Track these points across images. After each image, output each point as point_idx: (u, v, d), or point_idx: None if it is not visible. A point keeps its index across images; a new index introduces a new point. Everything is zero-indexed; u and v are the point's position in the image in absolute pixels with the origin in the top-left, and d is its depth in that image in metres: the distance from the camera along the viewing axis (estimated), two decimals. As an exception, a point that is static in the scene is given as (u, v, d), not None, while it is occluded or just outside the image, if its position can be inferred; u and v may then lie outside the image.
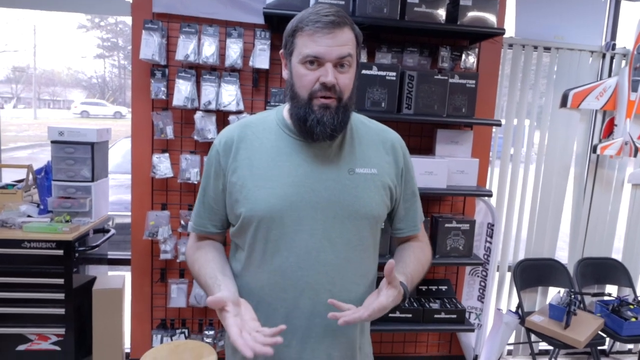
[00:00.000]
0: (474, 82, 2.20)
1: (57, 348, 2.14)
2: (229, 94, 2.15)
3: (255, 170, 1.02)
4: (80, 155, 2.22)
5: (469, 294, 2.58)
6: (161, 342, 2.34)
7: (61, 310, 2.11)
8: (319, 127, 0.97)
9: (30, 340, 2.13)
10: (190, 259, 1.14)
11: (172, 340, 2.35)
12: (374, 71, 2.08)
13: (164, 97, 2.15)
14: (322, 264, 1.01)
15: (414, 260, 1.11)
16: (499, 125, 2.31)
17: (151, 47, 2.06)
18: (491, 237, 2.41)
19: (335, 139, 1.02)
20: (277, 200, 0.99)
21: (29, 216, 2.19)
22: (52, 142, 2.20)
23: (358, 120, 1.12)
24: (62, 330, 2.13)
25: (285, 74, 1.03)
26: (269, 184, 1.00)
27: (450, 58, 2.33)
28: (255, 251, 1.03)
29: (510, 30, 2.59)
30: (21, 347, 2.12)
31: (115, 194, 3.93)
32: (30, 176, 2.33)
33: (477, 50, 2.39)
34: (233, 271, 1.09)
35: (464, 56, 2.36)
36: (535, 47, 2.65)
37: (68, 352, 2.15)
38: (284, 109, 1.08)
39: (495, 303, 2.85)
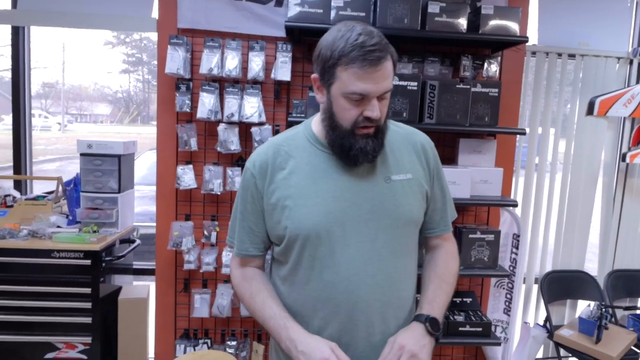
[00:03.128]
0: (496, 90, 2.18)
1: (84, 357, 2.18)
2: (252, 106, 2.18)
3: (294, 190, 1.03)
4: (108, 167, 2.28)
5: (494, 306, 2.52)
6: (184, 352, 2.36)
7: (88, 319, 2.15)
8: (362, 156, 1.00)
9: (58, 348, 2.17)
10: (240, 289, 1.14)
11: (195, 350, 2.37)
12: (395, 81, 2.08)
13: (188, 109, 2.20)
14: (371, 275, 1.02)
15: (437, 282, 1.11)
16: (523, 133, 2.27)
17: (176, 61, 2.11)
18: (517, 248, 2.36)
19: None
20: (320, 218, 1.00)
21: (58, 227, 2.26)
22: (81, 154, 2.27)
23: (389, 126, 1.12)
24: (88, 339, 2.17)
25: (319, 98, 1.03)
26: (310, 201, 1.01)
27: (472, 67, 2.32)
28: (303, 268, 1.04)
29: (533, 38, 2.56)
30: (49, 355, 2.17)
31: (140, 205, 4.01)
32: (60, 188, 2.40)
33: (499, 58, 2.37)
34: (277, 290, 1.11)
35: (486, 65, 2.34)
36: (560, 55, 2.61)
37: (95, 360, 2.18)
38: (312, 124, 1.10)
39: (522, 316, 2.78)
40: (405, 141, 1.12)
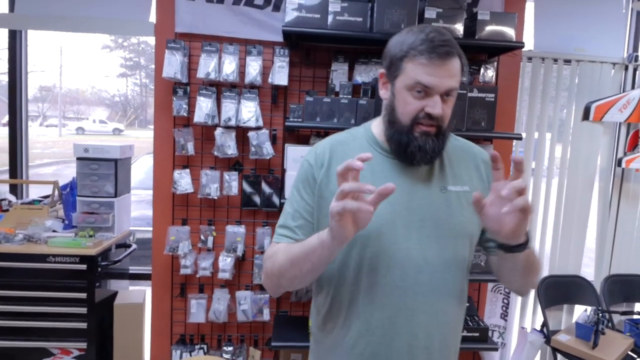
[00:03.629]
0: (493, 95, 2.19)
1: (79, 362, 2.17)
2: (249, 111, 2.18)
3: None
4: (104, 171, 2.28)
5: (491, 311, 2.52)
6: (180, 357, 2.34)
7: (83, 325, 2.14)
8: (419, 154, 0.98)
9: (53, 354, 2.16)
10: (276, 260, 1.02)
11: (190, 355, 2.35)
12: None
13: (185, 114, 2.20)
14: (419, 284, 0.99)
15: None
16: (520, 138, 2.28)
17: (173, 65, 2.11)
18: (514, 252, 2.36)
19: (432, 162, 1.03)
20: (373, 218, 0.95)
21: (54, 231, 2.25)
22: (78, 158, 2.26)
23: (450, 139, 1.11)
24: (84, 345, 2.15)
25: (383, 94, 1.03)
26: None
27: (468, 72, 2.33)
28: (349, 268, 1.02)
29: (529, 43, 2.58)
30: (44, 361, 2.15)
31: (137, 210, 4.00)
32: (56, 192, 2.39)
33: (495, 63, 2.38)
34: (318, 287, 1.09)
35: (482, 70, 2.35)
36: (555, 60, 2.62)
37: (90, 366, 2.17)
38: (373, 126, 1.09)
39: (519, 321, 2.78)
40: (464, 153, 1.09)
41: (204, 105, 2.16)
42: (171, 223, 2.34)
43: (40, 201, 2.39)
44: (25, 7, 2.26)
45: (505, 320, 2.45)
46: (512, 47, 2.18)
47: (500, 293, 2.51)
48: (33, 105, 19.30)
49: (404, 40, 0.97)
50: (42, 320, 2.12)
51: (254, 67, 2.17)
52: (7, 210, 2.29)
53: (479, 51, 2.34)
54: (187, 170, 2.27)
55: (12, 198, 2.40)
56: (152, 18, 2.29)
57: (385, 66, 1.02)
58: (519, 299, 2.76)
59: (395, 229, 0.99)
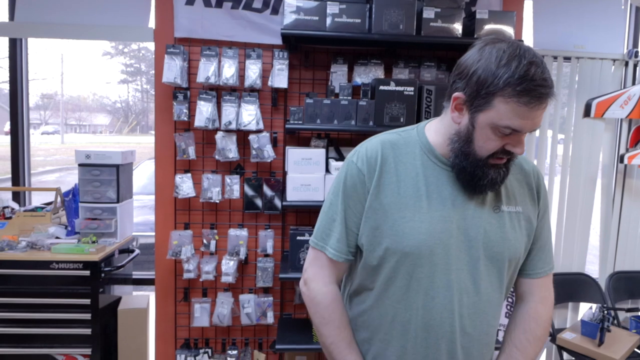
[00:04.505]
0: (493, 94, 2.18)
1: (84, 368, 2.17)
2: (249, 114, 2.19)
3: (402, 199, 0.96)
4: (106, 177, 2.28)
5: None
6: (185, 361, 2.34)
7: (87, 331, 2.13)
8: (489, 187, 0.94)
9: (58, 360, 2.16)
10: (328, 313, 1.03)
11: (195, 359, 2.35)
12: (392, 87, 2.09)
13: (185, 118, 2.20)
14: (466, 306, 0.97)
15: (509, 350, 1.06)
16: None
17: (173, 70, 2.12)
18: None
19: None
20: (426, 236, 0.94)
21: (57, 237, 2.25)
22: (80, 165, 2.27)
23: None
24: (88, 351, 2.15)
25: (456, 118, 0.94)
26: (417, 216, 0.95)
27: (468, 71, 2.32)
28: (395, 286, 0.99)
29: (528, 41, 2.57)
30: (49, 368, 2.15)
31: (140, 215, 4.01)
32: (59, 199, 2.39)
33: (495, 62, 2.37)
34: (352, 303, 1.08)
35: (482, 69, 2.34)
36: (555, 57, 2.62)
37: (95, 372, 2.17)
38: (427, 131, 1.02)
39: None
40: (518, 171, 1.05)
41: (204, 110, 2.17)
42: (173, 227, 2.34)
43: (43, 208, 2.39)
44: (25, 15, 2.27)
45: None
46: (511, 46, 2.17)
47: (505, 292, 2.50)
48: (35, 113, 19.39)
49: (497, 70, 0.85)
50: (46, 326, 2.12)
51: (253, 71, 2.17)
52: (10, 218, 2.30)
53: (478, 50, 2.34)
54: (189, 175, 2.27)
55: (15, 205, 2.41)
56: (152, 24, 2.30)
57: (467, 93, 0.90)
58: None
59: (447, 249, 0.96)
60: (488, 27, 2.13)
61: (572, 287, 2.72)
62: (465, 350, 1.00)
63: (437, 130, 1.01)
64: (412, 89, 2.10)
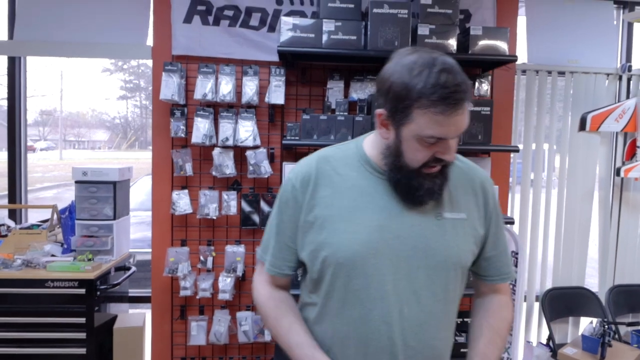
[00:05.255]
0: (488, 109, 2.20)
1: (79, 388, 2.13)
2: (246, 130, 2.20)
3: (336, 211, 0.96)
4: (103, 194, 2.27)
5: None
6: (182, 381, 2.31)
7: (82, 350, 2.10)
8: (427, 197, 0.93)
9: (53, 381, 2.12)
10: (265, 309, 1.05)
11: (192, 379, 2.32)
12: (388, 102, 2.10)
13: (183, 135, 2.21)
14: (406, 318, 0.94)
15: (489, 335, 1.02)
16: (517, 151, 2.28)
17: (171, 87, 2.13)
18: (516, 265, 2.34)
19: None
20: (360, 247, 0.93)
21: (53, 255, 2.23)
22: (77, 182, 2.26)
23: None
24: (83, 371, 2.12)
25: (384, 134, 0.94)
26: (351, 227, 0.94)
27: (463, 86, 2.34)
28: (333, 299, 0.97)
29: (522, 57, 2.60)
30: (44, 388, 2.11)
31: (138, 231, 3.99)
32: (55, 216, 2.38)
33: (490, 77, 2.40)
34: (304, 317, 1.05)
35: (477, 84, 2.37)
36: (549, 72, 2.65)
37: (90, 392, 2.13)
38: (365, 144, 1.02)
39: (524, 335, 2.74)
40: (464, 177, 1.03)
41: (201, 126, 2.18)
42: (170, 244, 2.33)
43: (39, 226, 2.38)
44: (24, 34, 2.30)
45: (511, 335, 2.41)
46: (506, 61, 2.20)
47: (504, 307, 2.48)
48: (34, 129, 19.45)
49: (410, 83, 0.85)
50: (41, 346, 2.08)
51: (250, 87, 2.19)
52: (5, 236, 2.28)
53: (473, 65, 2.36)
54: (186, 191, 2.27)
55: (11, 223, 2.40)
56: (150, 41, 2.32)
57: (388, 109, 0.90)
58: (524, 312, 2.73)
59: (383, 259, 0.93)
60: (482, 42, 2.15)
61: (572, 302, 2.70)
62: None
63: (373, 144, 1.01)
64: (408, 104, 2.11)
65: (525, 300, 2.74)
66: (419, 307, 0.95)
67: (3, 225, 2.33)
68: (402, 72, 0.86)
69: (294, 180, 1.01)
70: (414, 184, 0.92)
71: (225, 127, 2.19)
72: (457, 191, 1.01)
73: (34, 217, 2.70)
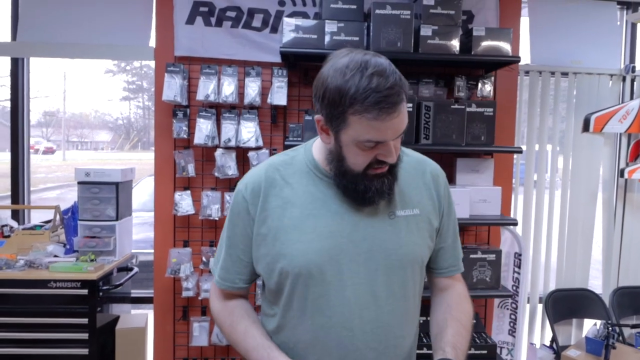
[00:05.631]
0: (491, 110, 2.19)
1: (82, 389, 2.13)
2: (248, 131, 2.20)
3: (288, 221, 0.94)
4: (105, 195, 2.28)
5: (499, 327, 2.48)
6: (184, 382, 2.31)
7: (85, 351, 2.10)
8: (378, 197, 0.91)
9: (56, 381, 2.12)
10: (220, 318, 1.04)
11: (194, 380, 2.31)
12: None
13: (185, 136, 2.21)
14: (367, 321, 0.93)
15: (455, 327, 1.00)
16: (520, 152, 2.27)
17: (173, 88, 2.13)
18: (519, 267, 2.33)
19: None
20: (314, 255, 0.91)
21: (55, 256, 2.23)
22: (79, 183, 2.27)
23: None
24: (86, 371, 2.12)
25: (325, 139, 0.92)
26: (305, 236, 0.92)
27: (466, 87, 2.34)
28: (293, 309, 0.96)
29: (525, 57, 2.59)
30: (47, 389, 2.12)
31: (140, 232, 3.99)
32: (58, 217, 2.39)
33: (493, 78, 2.39)
34: (266, 329, 1.03)
35: (480, 85, 2.36)
36: (553, 73, 2.63)
37: (92, 392, 2.13)
38: (313, 148, 1.00)
39: (527, 337, 2.73)
40: (414, 171, 1.01)
41: (203, 127, 2.18)
42: (172, 245, 2.33)
43: (41, 226, 2.39)
44: (27, 35, 2.30)
45: (514, 337, 2.40)
46: (509, 62, 2.19)
47: (507, 309, 2.46)
48: (37, 130, 19.53)
49: (343, 88, 0.82)
50: (44, 347, 2.08)
51: (252, 88, 2.19)
52: (8, 236, 2.29)
53: (476, 66, 2.36)
54: (188, 192, 2.27)
55: (14, 224, 2.40)
56: (153, 42, 2.32)
57: (324, 115, 0.88)
58: (527, 314, 2.72)
59: (339, 265, 0.92)
60: (485, 43, 2.15)
61: (575, 303, 2.69)
62: None
63: (319, 148, 0.98)
64: (410, 105, 2.11)
65: (528, 302, 2.73)
66: (378, 309, 0.94)
67: (6, 225, 2.34)
68: (335, 77, 0.84)
69: (244, 192, 0.98)
70: (360, 187, 0.90)
71: (228, 128, 2.19)
72: (408, 187, 0.99)
73: (37, 217, 2.70)
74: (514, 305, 2.48)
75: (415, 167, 1.02)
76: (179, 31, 2.24)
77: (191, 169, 2.24)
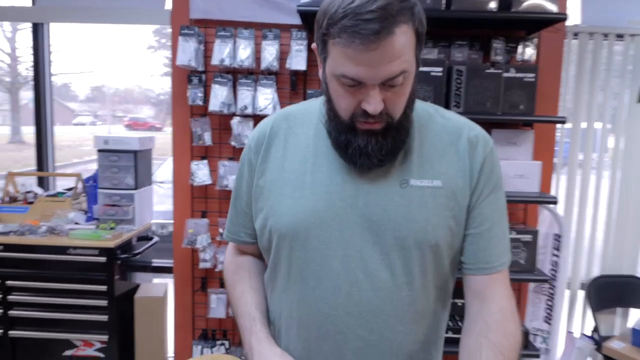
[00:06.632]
0: (533, 75, 1.97)
1: (101, 355, 2.16)
2: (265, 98, 2.09)
3: (285, 174, 0.83)
4: (124, 163, 2.26)
5: (533, 314, 2.30)
6: (201, 353, 2.30)
7: (104, 317, 2.13)
8: (361, 158, 0.76)
9: (76, 346, 2.16)
10: (228, 278, 1.00)
11: (212, 351, 2.30)
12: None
13: (200, 102, 2.13)
14: (355, 302, 0.79)
15: (493, 356, 0.76)
16: (563, 122, 2.04)
17: (187, 53, 2.05)
18: (558, 249, 2.13)
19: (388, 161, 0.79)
20: (304, 215, 0.80)
21: (76, 223, 2.25)
22: (99, 150, 2.26)
23: (425, 112, 0.85)
24: (105, 337, 2.15)
25: (320, 74, 0.81)
26: (297, 192, 0.81)
27: (504, 50, 2.12)
28: (279, 273, 0.87)
29: (575, 18, 2.32)
30: (68, 352, 2.17)
31: (169, 203, 4.03)
32: (80, 184, 2.40)
33: (536, 40, 2.15)
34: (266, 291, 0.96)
35: (520, 48, 2.13)
36: (606, 35, 2.34)
37: (112, 359, 2.16)
38: None
39: (566, 325, 2.54)
40: (447, 137, 0.83)
41: (219, 94, 2.09)
42: (190, 216, 2.29)
43: (64, 194, 2.41)
44: (46, 0, 2.28)
45: (550, 324, 2.22)
46: (553, 20, 1.95)
47: (544, 294, 2.28)
48: (85, 106, 20.34)
49: (325, 7, 0.70)
50: (65, 311, 2.12)
51: (270, 52, 2.07)
52: (32, 203, 2.32)
53: (517, 27, 2.12)
54: (205, 162, 2.21)
55: (39, 190, 2.44)
56: (169, 6, 2.24)
57: (315, 38, 0.77)
58: (566, 300, 2.52)
59: (329, 231, 0.80)
60: (528, 1, 1.91)
61: (621, 291, 2.47)
62: (357, 357, 0.81)
63: None
64: (440, 69, 1.93)
65: (568, 288, 2.53)
66: (372, 292, 0.80)
67: (30, 192, 2.37)
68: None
69: (250, 141, 0.92)
70: (341, 139, 0.77)
71: (244, 94, 2.09)
72: (432, 153, 0.82)
73: (63, 185, 2.74)
74: (551, 291, 2.29)
75: (451, 131, 0.84)
76: (194, -8, 2.14)
77: (207, 138, 2.17)
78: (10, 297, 2.11)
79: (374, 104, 0.71)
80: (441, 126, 0.84)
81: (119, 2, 2.27)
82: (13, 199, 2.34)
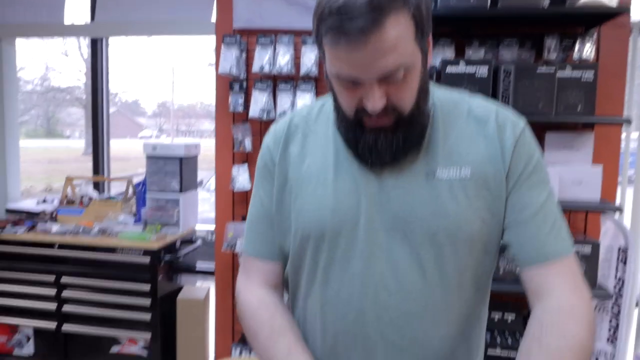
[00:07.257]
0: (592, 74, 1.81)
1: (145, 353, 2.23)
2: (304, 103, 2.09)
3: (305, 172, 0.80)
4: (170, 168, 2.34)
5: (595, 334, 2.10)
6: (240, 354, 2.31)
7: (147, 317, 2.20)
8: (372, 156, 0.72)
9: (122, 343, 2.25)
10: (254, 321, 0.82)
11: (250, 354, 2.30)
12: (461, 67, 1.83)
13: (241, 109, 2.17)
14: (384, 306, 0.74)
15: None
16: (629, 122, 1.86)
17: (229, 60, 2.10)
18: (624, 263, 1.93)
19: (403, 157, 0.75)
20: (328, 214, 0.76)
21: (126, 225, 2.36)
22: (148, 157, 2.36)
23: (449, 100, 0.80)
24: (149, 336, 2.21)
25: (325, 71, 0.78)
26: (321, 191, 0.77)
27: (559, 48, 1.97)
28: (301, 279, 0.82)
29: (636, 10, 2.12)
30: (115, 349, 2.26)
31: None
32: (130, 188, 2.52)
33: (595, 36, 1.99)
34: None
35: (577, 45, 1.97)
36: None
37: (155, 357, 2.22)
38: None
39: (634, 347, 2.28)
40: (475, 123, 0.77)
41: (259, 100, 2.12)
42: (231, 219, 2.32)
43: (116, 198, 2.54)
44: (103, 15, 2.43)
45: (614, 346, 2.01)
46: (614, 14, 1.79)
47: (607, 313, 2.07)
48: (152, 120, 21.67)
49: (318, 5, 0.66)
50: (111, 309, 2.22)
51: (309, 57, 2.07)
52: (87, 206, 2.47)
53: (573, 22, 1.97)
54: (245, 167, 2.24)
55: (94, 194, 2.59)
56: (214, 18, 2.32)
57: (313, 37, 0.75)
58: (634, 319, 2.27)
59: (356, 229, 0.75)
60: (584, -7, 1.77)
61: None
62: None
63: None
64: (485, 69, 1.83)
65: (637, 306, 2.28)
66: (402, 294, 0.74)
67: (85, 196, 2.53)
68: None
69: (268, 141, 0.86)
70: (350, 137, 0.74)
71: (284, 100, 2.11)
72: (461, 140, 0.76)
73: (118, 190, 2.90)
74: (616, 309, 2.08)
75: (478, 117, 0.78)
76: (237, 2, 2.20)
77: (248, 144, 2.20)
78: (64, 294, 2.24)
79: (372, 102, 0.68)
80: (467, 112, 0.78)
81: (169, 15, 2.38)
82: (70, 202, 2.50)
